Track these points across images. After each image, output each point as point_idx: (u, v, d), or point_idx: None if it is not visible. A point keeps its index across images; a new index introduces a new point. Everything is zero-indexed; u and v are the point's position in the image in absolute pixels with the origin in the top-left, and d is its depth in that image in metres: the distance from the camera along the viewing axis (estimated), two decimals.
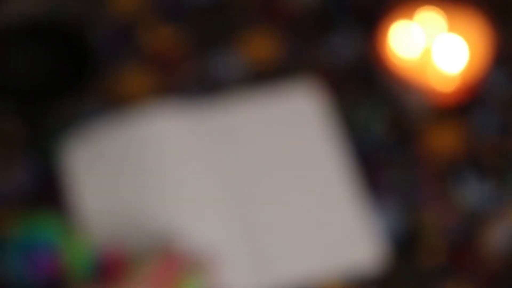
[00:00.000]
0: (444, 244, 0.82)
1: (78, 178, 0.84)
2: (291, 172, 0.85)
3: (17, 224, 0.73)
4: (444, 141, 0.87)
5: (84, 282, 0.73)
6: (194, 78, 0.91)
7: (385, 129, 0.88)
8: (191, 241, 0.80)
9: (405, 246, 0.82)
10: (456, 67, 0.85)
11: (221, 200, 0.84)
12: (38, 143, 0.87)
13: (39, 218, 0.75)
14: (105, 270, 0.73)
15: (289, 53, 0.92)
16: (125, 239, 0.80)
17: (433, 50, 0.86)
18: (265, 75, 0.91)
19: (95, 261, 0.73)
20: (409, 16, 0.87)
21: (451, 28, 0.87)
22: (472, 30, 0.86)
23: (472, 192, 0.85)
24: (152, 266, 0.71)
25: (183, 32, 0.93)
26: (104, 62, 0.92)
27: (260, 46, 0.93)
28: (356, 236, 0.82)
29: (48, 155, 0.85)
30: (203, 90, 0.90)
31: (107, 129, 0.86)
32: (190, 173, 0.84)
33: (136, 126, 0.86)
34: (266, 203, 0.84)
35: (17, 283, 0.73)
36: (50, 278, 0.72)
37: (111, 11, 0.95)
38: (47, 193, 0.84)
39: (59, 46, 0.90)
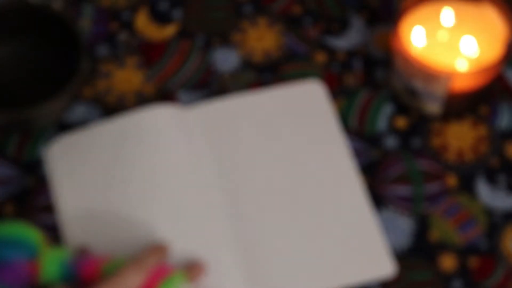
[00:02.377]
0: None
1: (59, 179, 0.82)
2: (298, 171, 0.84)
3: None
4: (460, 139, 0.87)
5: None
6: (194, 70, 0.90)
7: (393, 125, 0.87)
8: (182, 248, 0.78)
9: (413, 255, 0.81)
10: (471, 60, 0.84)
11: (222, 204, 0.82)
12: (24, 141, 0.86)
13: (9, 231, 0.74)
14: (80, 278, 0.73)
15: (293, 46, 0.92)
16: (107, 242, 0.79)
17: (447, 43, 0.85)
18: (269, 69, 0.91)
19: (70, 270, 0.73)
20: (422, 7, 0.87)
21: (465, 20, 0.86)
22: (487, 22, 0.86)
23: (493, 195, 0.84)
24: (133, 272, 0.71)
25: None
26: (96, 57, 0.91)
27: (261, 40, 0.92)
28: (371, 247, 0.80)
29: (33, 154, 0.85)
30: (204, 84, 0.90)
31: (95, 128, 0.85)
32: (187, 173, 0.82)
33: (129, 121, 0.84)
34: (269, 206, 0.82)
35: None
36: (20, 283, 0.72)
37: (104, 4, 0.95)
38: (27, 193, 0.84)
39: (48, 39, 0.89)
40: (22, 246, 0.73)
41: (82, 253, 0.76)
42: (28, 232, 0.73)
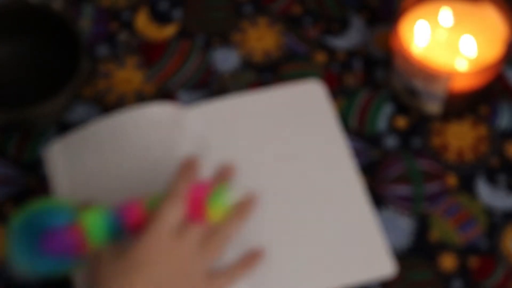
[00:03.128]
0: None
1: (60, 178, 0.82)
2: (298, 171, 0.84)
3: (23, 214, 0.71)
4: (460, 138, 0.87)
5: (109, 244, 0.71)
6: (194, 70, 0.91)
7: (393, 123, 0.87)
8: None
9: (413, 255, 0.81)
10: (471, 60, 0.84)
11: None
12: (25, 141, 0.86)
13: (41, 204, 0.72)
14: (128, 226, 0.71)
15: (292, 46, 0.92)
16: None
17: (447, 43, 0.85)
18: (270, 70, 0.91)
19: (116, 222, 0.70)
20: (422, 7, 0.87)
21: (464, 19, 0.86)
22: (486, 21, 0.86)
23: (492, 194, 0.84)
24: (179, 192, 0.71)
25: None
26: (96, 57, 0.91)
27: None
28: (371, 247, 0.80)
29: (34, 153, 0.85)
30: (204, 84, 0.90)
31: (94, 126, 0.85)
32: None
33: (128, 119, 0.84)
34: (269, 206, 0.82)
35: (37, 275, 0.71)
36: (73, 254, 0.70)
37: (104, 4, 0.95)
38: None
39: (48, 38, 0.89)
40: (59, 213, 0.70)
41: (120, 202, 0.73)
42: (60, 201, 0.71)
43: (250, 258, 0.76)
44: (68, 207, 0.71)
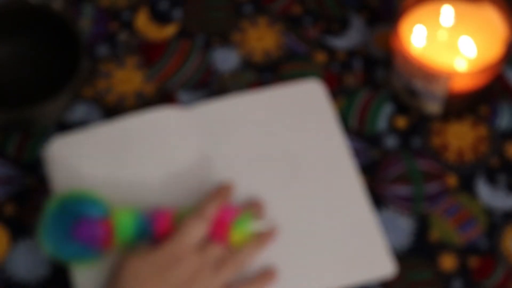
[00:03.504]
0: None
1: (59, 178, 0.82)
2: (298, 171, 0.84)
3: (60, 200, 0.74)
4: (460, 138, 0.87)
5: (136, 245, 0.75)
6: (194, 70, 0.91)
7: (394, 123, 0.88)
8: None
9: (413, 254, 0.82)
10: (470, 60, 0.84)
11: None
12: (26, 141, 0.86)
13: (82, 193, 0.76)
14: (155, 232, 0.75)
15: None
16: None
17: (446, 43, 0.85)
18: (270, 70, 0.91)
19: (145, 225, 0.75)
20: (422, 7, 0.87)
21: (464, 19, 0.86)
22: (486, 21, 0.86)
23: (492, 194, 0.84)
24: (209, 210, 0.76)
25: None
26: (95, 57, 0.92)
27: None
28: (372, 247, 0.80)
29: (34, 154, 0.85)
30: (204, 84, 0.90)
31: (96, 128, 0.85)
32: (187, 172, 0.82)
33: (129, 123, 0.84)
34: (269, 206, 0.82)
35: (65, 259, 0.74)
36: (99, 246, 0.74)
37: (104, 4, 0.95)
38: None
39: (49, 39, 0.89)
40: (97, 204, 0.74)
41: (151, 208, 0.78)
42: (96, 195, 0.75)
43: (263, 278, 0.77)
44: (103, 201, 0.75)
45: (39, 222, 0.74)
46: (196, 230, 0.75)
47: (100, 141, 0.84)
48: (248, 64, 0.92)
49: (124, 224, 0.74)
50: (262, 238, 0.78)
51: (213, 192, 0.78)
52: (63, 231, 0.73)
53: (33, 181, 0.85)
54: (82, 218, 0.73)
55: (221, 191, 0.79)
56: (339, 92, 0.90)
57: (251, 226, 0.77)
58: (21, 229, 0.82)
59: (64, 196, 0.74)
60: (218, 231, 0.75)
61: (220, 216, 0.76)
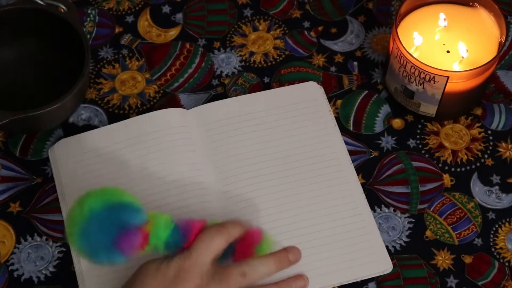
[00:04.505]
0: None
1: (65, 178, 0.83)
2: (297, 172, 0.84)
3: (103, 202, 0.72)
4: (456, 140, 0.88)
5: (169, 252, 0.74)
6: (195, 73, 0.92)
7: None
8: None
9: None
10: (465, 62, 0.85)
11: (223, 204, 0.82)
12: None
13: (117, 195, 0.74)
14: (187, 240, 0.73)
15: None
16: None
17: (442, 45, 0.86)
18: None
19: (178, 233, 0.73)
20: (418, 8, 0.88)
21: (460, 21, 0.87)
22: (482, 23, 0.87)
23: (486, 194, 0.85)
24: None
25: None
26: (99, 60, 0.93)
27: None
28: (369, 245, 0.81)
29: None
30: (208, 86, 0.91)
31: (100, 129, 0.86)
32: (188, 171, 0.83)
33: (132, 124, 0.85)
34: (269, 206, 0.82)
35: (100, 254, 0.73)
36: (133, 252, 0.72)
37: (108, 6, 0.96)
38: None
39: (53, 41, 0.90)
40: (138, 212, 0.72)
41: (186, 219, 0.76)
42: (131, 196, 0.73)
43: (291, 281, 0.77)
44: (142, 208, 0.73)
45: (76, 217, 0.72)
46: (212, 247, 0.73)
47: (105, 141, 0.84)
48: (248, 67, 0.93)
49: (159, 231, 0.72)
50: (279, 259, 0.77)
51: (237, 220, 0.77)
52: (105, 237, 0.71)
53: (39, 181, 0.85)
54: (127, 229, 0.71)
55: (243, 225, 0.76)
56: (337, 93, 0.91)
57: (273, 250, 0.76)
58: (26, 227, 0.83)
59: (105, 198, 0.72)
60: (244, 252, 0.75)
61: (247, 238, 0.75)
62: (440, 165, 0.86)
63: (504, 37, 0.85)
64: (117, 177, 0.83)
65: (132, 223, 0.72)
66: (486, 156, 0.87)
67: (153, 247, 0.73)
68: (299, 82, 0.91)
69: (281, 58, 0.93)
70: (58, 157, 0.84)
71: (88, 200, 0.72)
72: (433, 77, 0.82)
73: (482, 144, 0.87)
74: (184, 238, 0.73)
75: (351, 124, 0.89)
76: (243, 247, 0.75)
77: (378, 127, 0.88)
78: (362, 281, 0.80)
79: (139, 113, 0.89)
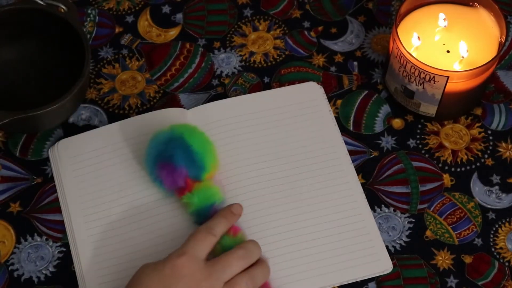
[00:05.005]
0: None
1: (65, 178, 0.84)
2: (297, 172, 0.84)
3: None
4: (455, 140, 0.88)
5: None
6: (195, 73, 0.92)
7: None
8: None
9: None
10: (465, 62, 0.85)
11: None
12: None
13: (198, 139, 0.81)
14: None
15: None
16: (114, 238, 0.80)
17: (442, 45, 0.86)
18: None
19: (210, 212, 0.79)
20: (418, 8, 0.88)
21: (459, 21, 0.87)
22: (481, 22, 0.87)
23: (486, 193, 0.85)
24: None
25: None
26: (100, 60, 0.93)
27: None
28: (369, 245, 0.81)
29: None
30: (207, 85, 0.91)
31: (100, 129, 0.86)
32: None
33: (132, 123, 0.86)
34: (269, 206, 0.82)
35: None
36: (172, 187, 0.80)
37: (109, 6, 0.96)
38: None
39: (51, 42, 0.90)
40: (200, 167, 0.79)
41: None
42: (207, 156, 0.80)
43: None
44: (207, 165, 0.80)
45: (162, 132, 0.80)
46: (204, 245, 0.75)
47: (105, 140, 0.85)
48: (248, 67, 0.93)
49: (200, 196, 0.78)
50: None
51: (223, 211, 0.78)
52: (162, 160, 0.79)
53: (38, 181, 0.85)
54: (179, 168, 0.78)
55: (231, 213, 0.78)
56: (337, 93, 0.91)
57: None
58: (26, 227, 0.83)
59: (195, 138, 0.80)
60: None
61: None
62: (440, 165, 0.86)
63: (504, 37, 0.85)
64: (118, 176, 0.83)
65: (188, 169, 0.78)
66: (486, 156, 0.87)
67: (187, 202, 0.79)
68: (299, 82, 0.91)
69: (281, 58, 0.93)
70: (59, 157, 0.85)
71: (183, 129, 0.80)
72: (433, 77, 0.82)
73: (482, 144, 0.88)
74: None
75: (351, 124, 0.89)
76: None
77: (378, 127, 0.89)
78: (362, 281, 0.80)
79: (139, 113, 0.89)
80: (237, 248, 0.75)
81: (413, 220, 0.83)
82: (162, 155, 0.79)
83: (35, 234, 0.82)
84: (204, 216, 0.78)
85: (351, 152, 0.86)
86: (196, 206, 0.78)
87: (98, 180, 0.83)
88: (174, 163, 0.78)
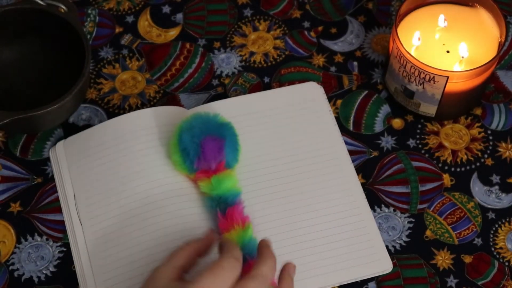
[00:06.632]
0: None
1: (66, 178, 0.84)
2: (297, 172, 0.84)
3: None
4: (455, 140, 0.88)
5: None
6: (195, 73, 0.92)
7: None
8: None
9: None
10: (465, 62, 0.85)
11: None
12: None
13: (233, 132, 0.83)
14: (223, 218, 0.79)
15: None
16: (115, 237, 0.80)
17: (442, 45, 0.86)
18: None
19: (226, 203, 0.79)
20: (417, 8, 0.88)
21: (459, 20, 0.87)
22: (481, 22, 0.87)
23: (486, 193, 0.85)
24: None
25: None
26: (100, 60, 0.93)
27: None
28: (369, 246, 0.81)
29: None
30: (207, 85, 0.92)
31: (99, 126, 0.86)
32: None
33: (132, 119, 0.85)
34: (269, 206, 0.83)
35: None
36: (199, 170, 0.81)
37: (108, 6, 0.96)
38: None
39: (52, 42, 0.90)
40: (233, 158, 0.81)
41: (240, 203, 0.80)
42: (240, 150, 0.82)
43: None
44: (236, 155, 0.82)
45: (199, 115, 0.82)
46: (178, 258, 0.70)
47: (104, 139, 0.85)
48: (248, 67, 0.93)
49: (221, 186, 0.79)
50: None
51: (264, 250, 0.71)
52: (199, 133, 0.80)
53: (38, 181, 0.85)
54: (220, 141, 0.80)
55: (270, 251, 0.72)
56: (337, 93, 0.91)
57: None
58: (26, 227, 0.83)
59: (227, 131, 0.81)
60: None
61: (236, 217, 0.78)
62: (440, 165, 0.86)
63: (504, 37, 0.85)
64: (118, 174, 0.83)
65: (227, 155, 0.80)
66: (486, 156, 0.87)
67: (206, 186, 0.80)
68: (299, 82, 0.91)
69: (281, 58, 0.93)
70: (59, 157, 0.85)
71: (222, 121, 0.82)
72: (433, 77, 0.83)
73: (482, 144, 0.88)
74: (222, 211, 0.78)
75: (351, 124, 0.89)
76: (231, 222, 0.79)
77: (378, 127, 0.89)
78: (362, 281, 0.80)
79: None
80: (249, 279, 0.68)
81: (413, 220, 0.83)
82: (213, 132, 0.80)
83: (36, 234, 0.82)
84: (223, 203, 0.79)
85: (351, 152, 0.87)
86: (223, 191, 0.79)
87: (99, 179, 0.83)
88: (224, 143, 0.80)
